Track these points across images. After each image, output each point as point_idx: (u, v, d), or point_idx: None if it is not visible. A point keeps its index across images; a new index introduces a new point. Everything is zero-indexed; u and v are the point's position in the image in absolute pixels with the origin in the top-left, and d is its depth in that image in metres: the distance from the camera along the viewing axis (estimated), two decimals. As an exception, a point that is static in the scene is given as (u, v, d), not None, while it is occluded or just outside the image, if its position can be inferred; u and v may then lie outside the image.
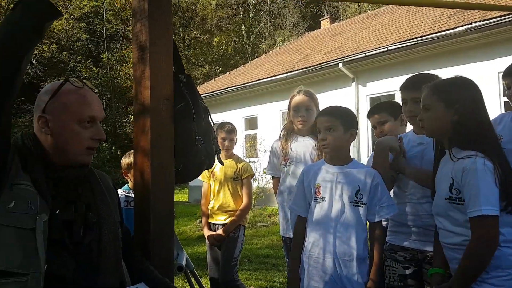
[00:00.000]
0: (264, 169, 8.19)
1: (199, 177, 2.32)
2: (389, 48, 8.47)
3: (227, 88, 12.89)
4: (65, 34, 22.93)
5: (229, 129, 3.33)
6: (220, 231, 3.23)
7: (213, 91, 13.34)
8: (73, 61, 22.14)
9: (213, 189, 3.36)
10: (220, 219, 3.29)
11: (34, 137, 1.30)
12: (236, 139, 3.41)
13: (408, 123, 2.27)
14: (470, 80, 1.69)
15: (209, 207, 3.36)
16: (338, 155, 2.09)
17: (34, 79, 17.75)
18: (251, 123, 12.71)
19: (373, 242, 2.02)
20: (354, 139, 2.12)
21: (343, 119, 2.06)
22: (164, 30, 1.68)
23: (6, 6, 18.56)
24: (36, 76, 18.46)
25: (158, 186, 1.63)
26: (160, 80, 1.65)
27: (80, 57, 22.53)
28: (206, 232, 3.32)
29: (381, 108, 2.57)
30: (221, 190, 3.30)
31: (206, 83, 16.33)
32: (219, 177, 3.31)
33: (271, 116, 11.62)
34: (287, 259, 2.83)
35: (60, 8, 1.20)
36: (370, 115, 2.59)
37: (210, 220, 3.36)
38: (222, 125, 3.38)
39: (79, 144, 1.30)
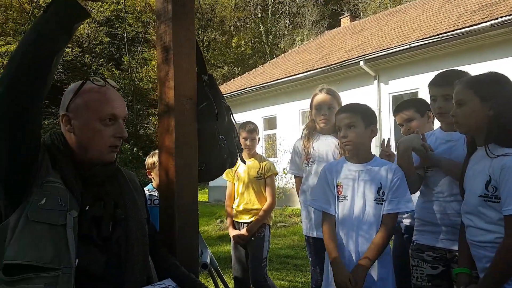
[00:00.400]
0: (284, 169, 8.20)
1: (224, 177, 2.32)
2: (411, 46, 8.31)
3: (246, 88, 12.91)
4: (87, 38, 23.44)
5: (251, 129, 3.33)
6: (243, 231, 3.23)
7: (232, 92, 13.38)
8: (95, 64, 22.61)
9: (237, 189, 3.37)
10: (245, 217, 3.30)
11: (62, 136, 1.33)
12: (259, 138, 3.41)
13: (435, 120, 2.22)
14: (505, 76, 1.65)
15: (234, 206, 3.38)
16: (359, 152, 2.06)
17: (58, 82, 18.15)
18: (270, 123, 12.70)
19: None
20: (375, 136, 2.09)
21: (363, 115, 2.04)
22: (188, 31, 1.69)
23: (31, 12, 19.09)
24: (59, 79, 18.89)
25: (182, 185, 1.64)
26: (184, 80, 1.66)
27: (102, 60, 22.99)
28: (232, 232, 3.33)
29: (407, 105, 2.51)
30: (245, 191, 3.30)
31: (225, 84, 16.38)
32: (243, 178, 3.32)
33: (290, 116, 11.58)
34: (310, 258, 2.80)
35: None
36: (396, 112, 2.54)
37: (235, 219, 3.36)
38: (244, 124, 3.38)
39: (101, 142, 1.32)
